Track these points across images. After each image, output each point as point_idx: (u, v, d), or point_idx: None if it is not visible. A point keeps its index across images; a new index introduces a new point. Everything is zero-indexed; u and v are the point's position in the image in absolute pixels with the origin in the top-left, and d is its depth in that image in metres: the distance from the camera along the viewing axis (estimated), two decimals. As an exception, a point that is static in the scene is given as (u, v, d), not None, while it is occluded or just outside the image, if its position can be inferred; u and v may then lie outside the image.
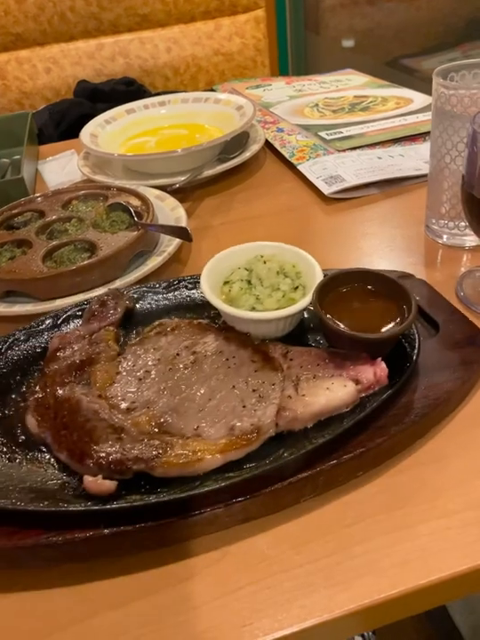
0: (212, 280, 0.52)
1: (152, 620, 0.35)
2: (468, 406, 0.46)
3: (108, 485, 0.37)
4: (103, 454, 0.39)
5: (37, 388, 0.46)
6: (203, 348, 0.48)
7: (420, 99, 1.04)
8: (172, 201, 0.75)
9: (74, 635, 0.35)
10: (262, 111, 1.08)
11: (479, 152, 0.49)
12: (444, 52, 1.78)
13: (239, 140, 0.90)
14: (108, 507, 0.37)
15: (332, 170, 0.81)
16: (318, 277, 0.50)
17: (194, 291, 0.57)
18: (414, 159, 0.82)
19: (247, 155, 0.87)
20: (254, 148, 0.89)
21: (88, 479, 0.37)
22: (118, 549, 0.37)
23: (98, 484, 0.37)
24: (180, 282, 0.58)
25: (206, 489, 0.37)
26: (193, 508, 0.37)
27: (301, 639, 0.34)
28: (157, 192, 0.76)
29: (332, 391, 0.42)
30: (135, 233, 0.65)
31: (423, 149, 0.84)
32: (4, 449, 0.43)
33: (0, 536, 0.37)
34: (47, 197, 0.75)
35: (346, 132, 0.93)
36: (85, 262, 0.62)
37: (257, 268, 0.51)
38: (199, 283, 0.57)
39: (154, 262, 0.63)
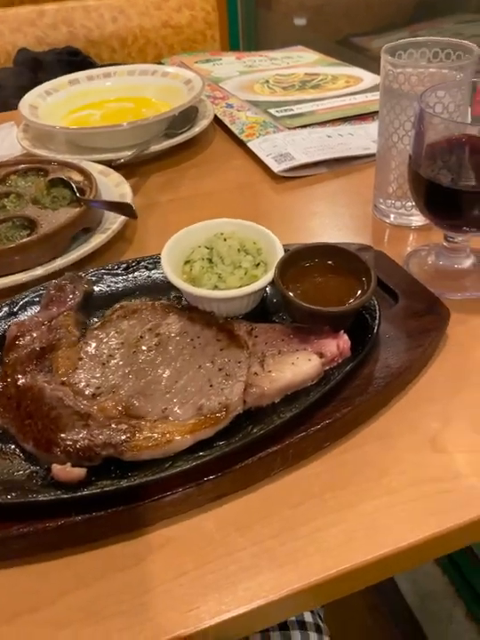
0: (173, 260, 0.51)
1: (94, 611, 0.34)
2: (422, 379, 0.47)
3: (78, 473, 0.37)
4: (70, 442, 0.38)
5: (-3, 378, 0.45)
6: (166, 330, 0.48)
7: (369, 78, 1.05)
8: (116, 176, 0.73)
9: (10, 632, 0.34)
10: (211, 86, 1.06)
11: (426, 131, 0.50)
12: (393, 32, 1.78)
13: (187, 115, 0.88)
14: (79, 494, 0.36)
15: (282, 147, 0.81)
16: (279, 253, 0.50)
17: (154, 271, 0.56)
18: (363, 138, 0.83)
19: (196, 130, 0.86)
20: (203, 123, 0.88)
21: (56, 467, 0.37)
22: (91, 536, 0.37)
23: (67, 471, 0.37)
24: (139, 263, 0.57)
25: (178, 469, 0.37)
26: (166, 489, 0.37)
27: (248, 620, 0.34)
28: (101, 167, 0.74)
29: (297, 365, 0.43)
30: (77, 209, 0.63)
31: (372, 128, 0.85)
32: (-34, 443, 0.41)
33: (-33, 531, 0.36)
34: None
35: (296, 109, 0.93)
36: (25, 240, 0.59)
37: (218, 246, 0.51)
38: (159, 263, 0.56)
39: (97, 240, 0.62)
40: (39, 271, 0.58)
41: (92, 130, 0.85)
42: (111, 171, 0.74)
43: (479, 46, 0.59)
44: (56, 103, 0.91)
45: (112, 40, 1.60)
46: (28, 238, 0.60)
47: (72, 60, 1.40)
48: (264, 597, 0.34)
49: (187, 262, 0.52)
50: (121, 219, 0.65)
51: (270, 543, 0.37)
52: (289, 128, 0.87)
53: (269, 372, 0.43)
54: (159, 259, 0.56)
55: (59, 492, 0.37)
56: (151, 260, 0.57)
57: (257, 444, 0.39)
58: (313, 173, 0.78)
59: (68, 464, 0.37)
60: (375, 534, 0.37)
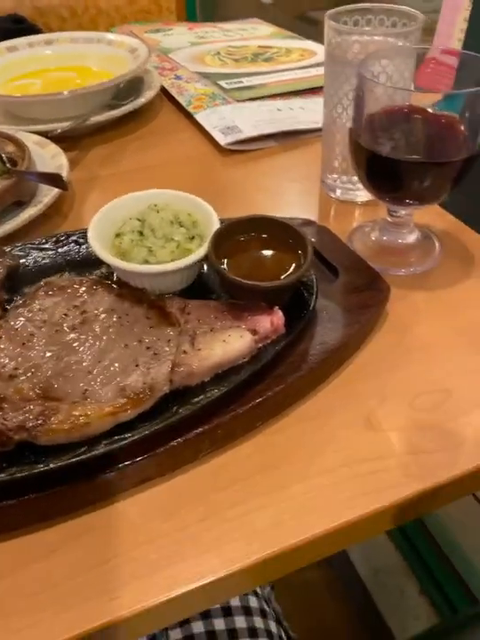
0: (102, 233, 0.48)
1: (3, 604, 0.32)
2: (360, 356, 0.46)
3: (-16, 459, 0.34)
4: (-20, 427, 0.36)
5: None
6: (93, 308, 0.45)
7: (323, 52, 1.02)
8: (53, 148, 0.69)
9: None
10: (160, 57, 1.01)
11: (366, 99, 0.48)
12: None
13: (132, 86, 0.84)
14: (-13, 482, 0.34)
15: (230, 120, 0.78)
16: (216, 227, 0.48)
17: (85, 246, 0.53)
18: (314, 112, 0.81)
19: (141, 101, 0.82)
20: (149, 94, 0.84)
21: (-38, 454, 0.34)
22: (2, 526, 0.35)
23: (-27, 458, 0.34)
24: (68, 237, 0.54)
25: (96, 453, 0.35)
26: (84, 475, 0.35)
27: (170, 608, 0.33)
28: (37, 138, 0.70)
29: (229, 343, 0.41)
30: (8, 181, 0.59)
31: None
32: None
33: None
34: None
35: (246, 82, 0.90)
36: None
37: (150, 218, 0.48)
38: (91, 237, 0.53)
39: (28, 213, 0.58)
40: None
41: (29, 98, 0.80)
42: (48, 142, 0.70)
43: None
44: None
45: (61, 9, 1.52)
46: None
47: (17, 28, 1.33)
48: (184, 585, 0.33)
49: (117, 235, 0.49)
50: (54, 191, 0.61)
51: (195, 529, 0.35)
52: (238, 100, 0.84)
53: (199, 350, 0.41)
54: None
55: (-36, 480, 0.34)
56: (82, 235, 0.54)
57: (183, 425, 0.38)
58: (261, 147, 0.76)
59: (-24, 450, 0.35)
60: (305, 516, 0.36)
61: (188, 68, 0.96)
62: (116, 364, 0.40)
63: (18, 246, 0.52)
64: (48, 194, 0.61)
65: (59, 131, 0.73)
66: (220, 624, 0.54)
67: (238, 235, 0.47)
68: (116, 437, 0.36)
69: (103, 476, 0.36)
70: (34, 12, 1.49)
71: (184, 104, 0.85)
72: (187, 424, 0.38)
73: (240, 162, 0.74)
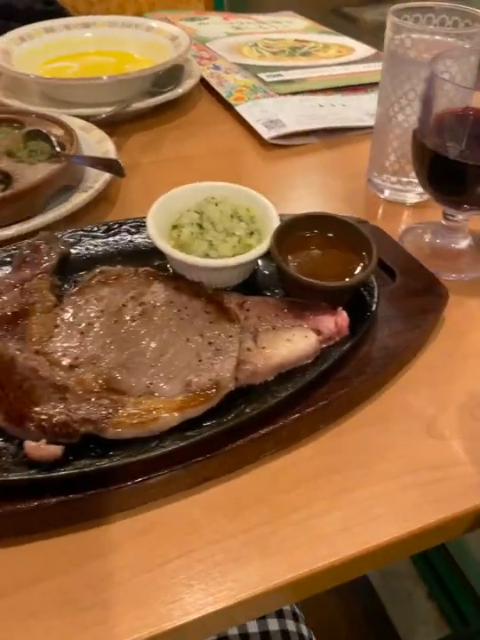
0: (159, 223, 0.47)
1: (68, 600, 0.31)
2: (417, 361, 0.45)
3: (53, 451, 0.33)
4: (45, 416, 0.35)
5: (-37, 344, 0.40)
6: (151, 299, 0.44)
7: (361, 49, 1.01)
8: (98, 133, 0.68)
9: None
10: (197, 46, 1.00)
11: (435, 98, 0.47)
12: (386, 4, 1.74)
13: (172, 74, 0.83)
14: (55, 474, 0.33)
15: (273, 114, 0.77)
16: (275, 222, 0.47)
17: (137, 235, 0.52)
18: (356, 110, 0.80)
19: (180, 91, 0.81)
20: (190, 82, 0.83)
21: (30, 444, 0.33)
22: (67, 520, 0.34)
23: (41, 449, 0.33)
24: (120, 225, 0.53)
25: (164, 450, 0.34)
26: (151, 471, 0.34)
27: (236, 612, 0.32)
28: (82, 122, 0.69)
29: (293, 342, 0.40)
30: (58, 165, 0.58)
31: (365, 101, 0.82)
32: None
33: None
34: None
35: (286, 75, 0.89)
36: (4, 194, 0.54)
37: (209, 211, 0.47)
38: (142, 227, 0.52)
39: (79, 199, 0.57)
40: (12, 230, 0.53)
41: (70, 82, 0.78)
42: (93, 127, 0.69)
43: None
44: (31, 51, 0.84)
45: None
46: (3, 193, 0.55)
47: (46, 9, 1.31)
48: (253, 590, 0.32)
49: (174, 227, 0.48)
50: (105, 177, 0.60)
51: (260, 531, 0.35)
52: (280, 94, 0.83)
53: (263, 348, 0.40)
54: (143, 222, 0.52)
55: (32, 471, 0.33)
56: (134, 223, 0.53)
57: (249, 425, 0.37)
58: (303, 143, 0.75)
59: (43, 441, 0.34)
60: (371, 522, 0.35)
61: (226, 59, 0.95)
62: (179, 359, 0.40)
63: (68, 233, 0.52)
64: (98, 179, 0.60)
65: (102, 116, 0.72)
66: (253, 626, 0.54)
67: (300, 231, 0.46)
68: (183, 434, 0.36)
69: (168, 472, 0.35)
70: (63, -6, 1.47)
71: (224, 95, 0.84)
72: (252, 424, 0.37)
73: (282, 156, 0.73)
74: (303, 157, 0.73)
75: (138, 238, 0.52)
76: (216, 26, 1.12)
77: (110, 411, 0.35)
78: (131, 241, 0.52)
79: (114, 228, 0.52)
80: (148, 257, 0.50)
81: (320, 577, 0.33)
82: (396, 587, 1.19)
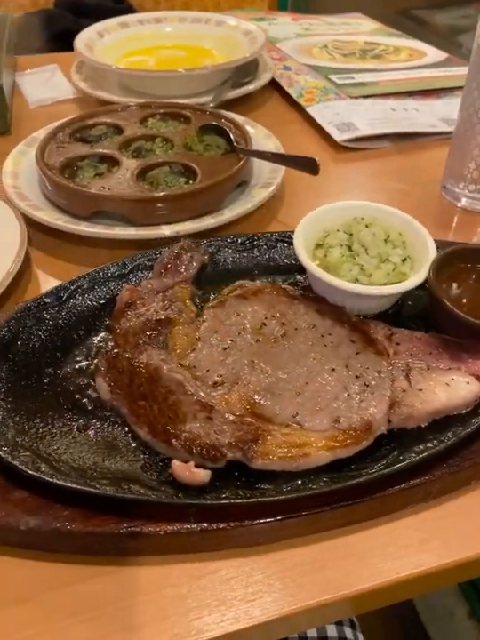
0: (305, 241, 0.46)
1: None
2: None
3: (202, 476, 0.32)
4: (193, 436, 0.34)
5: (109, 347, 0.40)
6: (293, 319, 0.42)
7: (433, 53, 0.97)
8: (261, 128, 0.67)
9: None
10: (268, 46, 0.97)
11: None
12: (458, 7, 1.64)
13: (246, 69, 0.82)
14: (208, 502, 0.32)
15: (345, 116, 0.75)
16: (431, 250, 0.44)
17: (275, 250, 0.51)
18: (429, 115, 0.76)
19: (250, 88, 0.79)
20: (266, 76, 0.82)
21: (179, 466, 0.32)
22: (205, 547, 0.33)
23: (191, 473, 0.32)
24: (258, 239, 0.51)
25: (317, 490, 0.32)
26: (296, 509, 0.32)
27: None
28: (242, 118, 0.68)
29: (453, 388, 0.37)
30: (242, 160, 0.57)
31: (439, 106, 0.78)
32: (73, 415, 0.37)
33: (74, 519, 0.32)
34: (115, 111, 0.67)
35: (358, 78, 0.86)
36: (196, 186, 0.54)
37: (359, 233, 0.45)
38: (282, 241, 0.51)
39: (261, 195, 0.56)
40: (190, 225, 0.53)
41: (171, 73, 0.77)
42: (255, 123, 0.68)
43: None
44: (109, 45, 0.85)
45: None
46: (197, 185, 0.54)
47: (115, 7, 1.33)
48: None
49: (319, 246, 0.46)
50: (281, 172, 0.59)
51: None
52: (351, 97, 0.80)
53: (420, 390, 0.37)
54: (282, 237, 0.51)
55: (180, 494, 0.32)
56: (272, 238, 0.51)
57: (401, 474, 0.34)
58: (375, 147, 0.72)
59: (191, 463, 0.33)
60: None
61: (296, 60, 0.92)
62: (326, 390, 0.37)
63: (207, 241, 0.51)
64: (273, 175, 0.58)
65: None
66: (312, 633, 0.53)
67: (459, 263, 0.43)
68: (331, 475, 0.34)
69: (316, 513, 0.33)
70: (130, -9, 1.49)
71: (295, 96, 0.81)
72: (405, 473, 0.34)
73: (353, 160, 0.70)
74: (374, 161, 0.70)
75: (276, 253, 0.50)
76: (285, 26, 1.10)
77: (259, 439, 0.34)
78: (269, 256, 0.50)
79: (253, 241, 0.51)
80: (286, 273, 0.49)
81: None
82: (436, 604, 1.12)
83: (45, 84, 0.86)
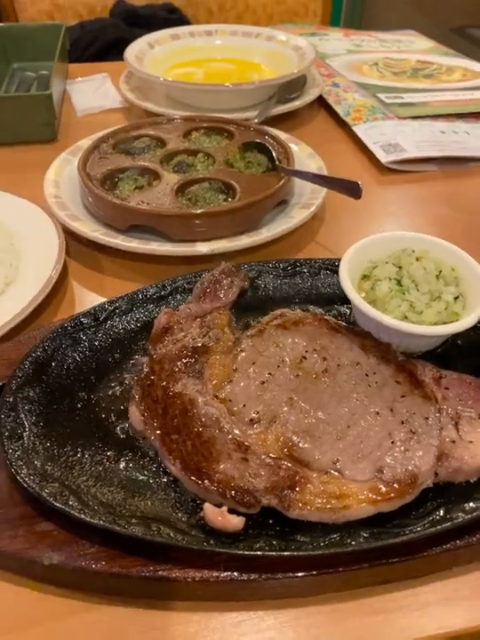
0: (350, 272, 0.44)
1: None
2: None
3: (235, 523, 0.31)
4: (227, 478, 0.32)
5: (144, 373, 0.39)
6: (335, 354, 0.41)
7: None
8: (304, 146, 0.66)
9: None
10: (317, 62, 0.96)
11: None
12: None
13: (294, 85, 0.80)
14: (240, 552, 0.30)
15: (391, 137, 0.72)
16: (485, 289, 0.41)
17: (318, 277, 0.49)
18: None
19: (296, 104, 0.78)
20: (314, 91, 0.81)
21: (211, 511, 0.31)
22: (237, 596, 0.31)
23: (224, 519, 0.30)
24: (301, 265, 0.49)
25: (353, 548, 0.30)
26: (333, 565, 0.31)
27: None
28: (286, 136, 0.67)
29: (507, 442, 0.35)
30: (282, 179, 0.56)
31: None
32: (104, 445, 0.36)
33: (100, 558, 0.31)
34: (159, 124, 0.67)
35: (407, 97, 0.84)
36: (234, 204, 0.53)
37: (409, 267, 0.43)
38: (325, 269, 0.49)
39: (300, 215, 0.55)
40: (224, 244, 0.52)
41: (219, 87, 0.76)
42: (299, 141, 0.67)
43: None
44: (159, 57, 0.86)
45: (210, 2, 1.51)
46: (236, 203, 0.54)
47: (169, 17, 1.33)
48: None
49: (365, 277, 0.44)
50: (322, 193, 0.57)
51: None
52: (399, 117, 0.78)
53: (470, 442, 0.35)
54: (324, 263, 0.49)
55: (211, 540, 0.31)
56: (314, 265, 0.49)
57: (448, 534, 0.32)
58: (421, 170, 0.70)
59: (225, 508, 0.31)
60: None
61: (345, 77, 0.91)
62: (369, 436, 0.35)
63: (248, 265, 0.49)
64: (314, 196, 0.57)
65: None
66: None
67: (515, 306, 0.40)
68: (375, 530, 0.31)
69: (352, 570, 0.31)
70: (184, 3, 1.48)
71: (341, 114, 0.80)
72: (452, 533, 0.32)
73: (397, 182, 0.68)
74: (420, 185, 0.68)
75: (318, 282, 0.48)
76: (336, 42, 1.08)
77: (295, 485, 0.32)
78: (310, 284, 0.48)
79: (295, 268, 0.49)
80: (329, 303, 0.47)
81: None
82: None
83: (94, 93, 0.87)
